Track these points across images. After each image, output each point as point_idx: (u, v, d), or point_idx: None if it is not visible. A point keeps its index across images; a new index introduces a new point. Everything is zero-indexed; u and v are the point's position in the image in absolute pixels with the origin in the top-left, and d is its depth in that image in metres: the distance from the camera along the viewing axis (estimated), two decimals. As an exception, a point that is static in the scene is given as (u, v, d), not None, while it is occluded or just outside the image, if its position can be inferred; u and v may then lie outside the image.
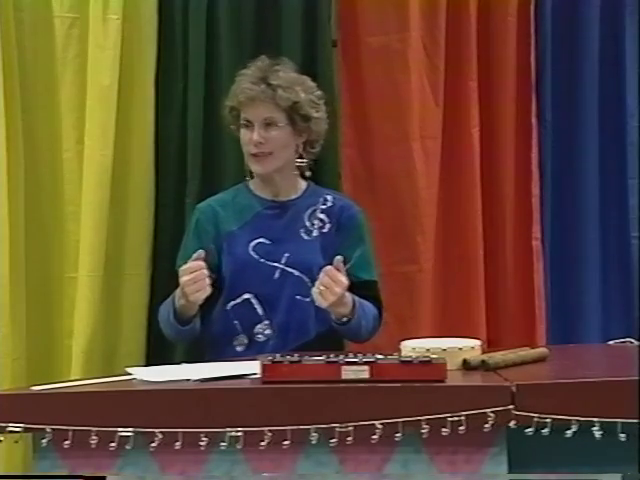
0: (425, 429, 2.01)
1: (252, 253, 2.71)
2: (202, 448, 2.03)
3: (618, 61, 3.13)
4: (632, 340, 2.74)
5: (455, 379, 2.15)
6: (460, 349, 2.28)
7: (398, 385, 2.06)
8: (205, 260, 2.51)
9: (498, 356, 2.28)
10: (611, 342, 2.81)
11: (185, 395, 2.10)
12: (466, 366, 2.25)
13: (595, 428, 2.00)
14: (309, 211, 2.77)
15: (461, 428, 2.00)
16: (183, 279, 2.50)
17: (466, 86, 3.10)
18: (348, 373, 2.08)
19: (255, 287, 2.70)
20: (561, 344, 3.00)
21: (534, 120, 3.12)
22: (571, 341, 3.08)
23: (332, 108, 3.07)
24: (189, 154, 3.05)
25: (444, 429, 2.00)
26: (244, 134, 2.72)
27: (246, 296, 2.70)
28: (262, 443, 2.02)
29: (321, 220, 2.77)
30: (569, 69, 3.14)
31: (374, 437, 2.01)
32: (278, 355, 2.17)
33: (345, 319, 2.61)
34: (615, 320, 3.13)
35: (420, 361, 2.10)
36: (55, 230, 3.01)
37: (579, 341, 3.07)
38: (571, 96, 3.15)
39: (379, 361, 2.10)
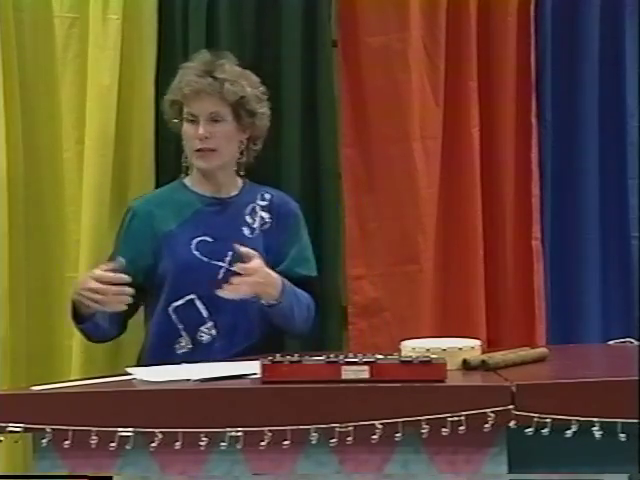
0: (425, 429, 2.01)
1: (195, 252, 2.66)
2: (202, 448, 2.03)
3: (618, 61, 3.13)
4: (632, 340, 2.74)
5: (455, 379, 2.15)
6: (460, 349, 2.28)
7: (398, 385, 2.06)
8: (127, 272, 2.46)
9: (498, 356, 2.29)
10: (611, 342, 2.81)
11: (185, 395, 2.10)
12: (466, 366, 2.25)
13: (595, 428, 2.00)
14: (249, 208, 2.74)
15: (461, 428, 2.00)
16: (91, 284, 2.42)
17: (466, 86, 3.10)
18: (348, 373, 2.08)
19: (199, 287, 2.62)
20: (561, 344, 3.00)
21: (534, 120, 3.11)
22: (571, 341, 3.07)
23: (332, 108, 3.09)
24: (189, 154, 3.05)
25: (444, 429, 2.00)
26: (188, 129, 2.68)
27: (189, 297, 2.64)
28: (262, 443, 2.02)
29: (262, 217, 2.74)
30: (569, 69, 3.14)
31: (374, 437, 2.01)
32: (278, 355, 2.17)
33: (274, 301, 2.60)
34: (615, 320, 3.13)
35: (420, 361, 2.10)
36: (55, 230, 3.00)
37: (579, 341, 3.07)
38: (571, 96, 3.14)
39: (379, 361, 2.10)
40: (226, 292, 2.50)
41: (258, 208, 2.75)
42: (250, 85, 2.70)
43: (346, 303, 3.10)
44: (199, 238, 2.67)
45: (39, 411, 2.08)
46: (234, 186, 2.77)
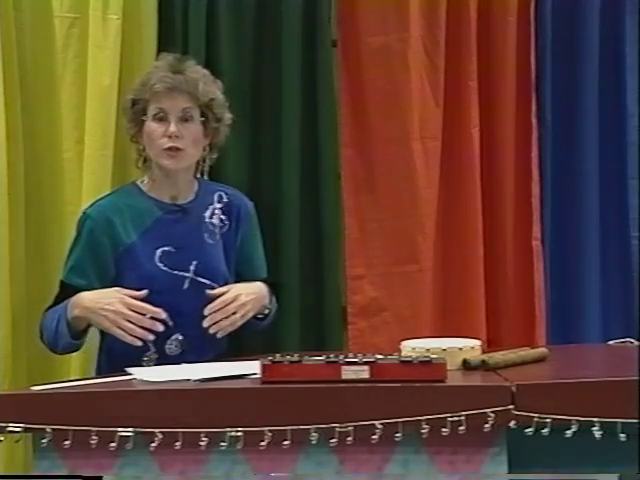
0: (425, 429, 2.01)
1: (159, 264, 2.59)
2: (202, 448, 2.03)
3: (618, 61, 3.13)
4: (632, 340, 2.74)
5: (455, 379, 2.15)
6: (460, 349, 2.28)
7: (398, 385, 2.06)
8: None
9: (498, 356, 2.29)
10: (611, 342, 2.81)
11: (185, 395, 2.10)
12: (466, 366, 2.25)
13: (595, 428, 2.00)
14: (209, 212, 2.69)
15: (461, 428, 2.00)
16: (123, 310, 2.46)
17: (466, 86, 3.10)
18: (348, 373, 2.08)
19: (165, 300, 2.53)
20: (561, 344, 3.00)
21: (534, 120, 3.11)
22: (571, 341, 3.07)
23: (332, 108, 3.09)
24: (189, 154, 3.05)
25: (444, 429, 2.01)
26: (155, 127, 2.59)
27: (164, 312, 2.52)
28: (262, 443, 2.02)
29: (221, 220, 2.69)
30: (569, 69, 3.14)
31: (374, 437, 2.01)
32: (278, 355, 2.17)
33: (267, 310, 2.66)
34: (615, 320, 3.13)
35: (420, 361, 2.10)
36: (55, 230, 3.00)
37: (579, 341, 3.07)
38: (571, 96, 3.14)
39: (379, 361, 2.10)
40: (234, 322, 2.55)
41: (217, 210, 2.70)
42: (218, 89, 2.67)
43: (346, 303, 3.10)
44: (162, 249, 2.60)
45: (39, 411, 2.08)
46: (191, 190, 2.70)
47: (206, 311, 2.54)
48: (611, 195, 3.16)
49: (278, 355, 2.17)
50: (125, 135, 2.99)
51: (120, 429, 2.04)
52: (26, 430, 2.07)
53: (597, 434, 2.00)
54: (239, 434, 2.03)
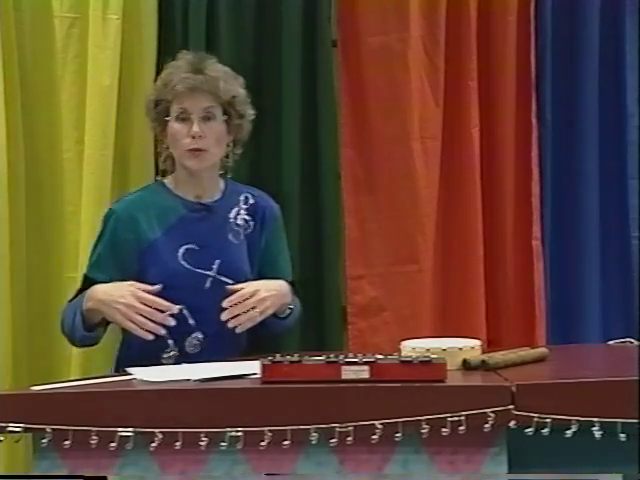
0: (425, 429, 2.01)
1: (182, 262, 2.59)
2: (202, 448, 2.03)
3: (618, 61, 3.13)
4: (632, 340, 2.74)
5: (455, 379, 2.15)
6: (460, 349, 2.28)
7: (398, 385, 2.06)
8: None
9: (498, 356, 2.29)
10: (611, 342, 2.81)
11: (185, 395, 2.10)
12: (466, 366, 2.25)
13: (595, 428, 2.00)
14: (234, 212, 2.69)
15: (461, 428, 2.00)
16: (136, 304, 2.45)
17: (466, 86, 3.10)
18: (348, 373, 2.08)
19: (186, 297, 2.55)
20: (561, 344, 3.01)
21: (534, 120, 3.12)
22: (571, 341, 3.08)
23: (332, 108, 3.09)
24: (189, 154, 3.04)
25: (444, 429, 2.00)
26: (179, 128, 2.60)
27: (177, 307, 2.52)
28: (262, 443, 2.02)
29: (246, 221, 2.69)
30: (569, 69, 3.14)
31: (374, 437, 2.01)
32: (278, 355, 2.17)
33: (289, 309, 2.65)
34: (615, 320, 3.13)
35: (420, 361, 2.10)
36: (55, 230, 3.01)
37: (579, 341, 3.07)
38: (571, 96, 3.15)
39: (379, 361, 2.10)
40: (253, 318, 2.53)
41: (243, 211, 2.70)
42: (240, 85, 2.67)
43: (346, 303, 3.10)
44: (185, 246, 2.60)
45: (39, 411, 2.07)
46: (217, 189, 2.70)
47: (225, 303, 2.52)
48: (611, 195, 3.16)
49: (278, 355, 2.17)
50: (125, 135, 3.01)
51: (120, 429, 2.04)
52: (26, 430, 2.07)
53: (597, 434, 2.00)
54: (239, 434, 2.03)
